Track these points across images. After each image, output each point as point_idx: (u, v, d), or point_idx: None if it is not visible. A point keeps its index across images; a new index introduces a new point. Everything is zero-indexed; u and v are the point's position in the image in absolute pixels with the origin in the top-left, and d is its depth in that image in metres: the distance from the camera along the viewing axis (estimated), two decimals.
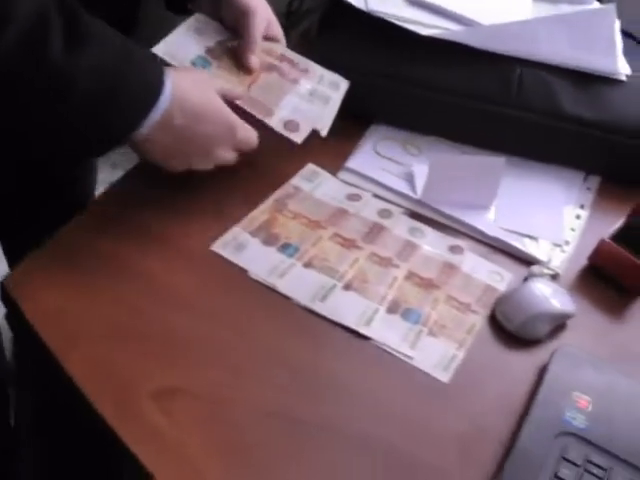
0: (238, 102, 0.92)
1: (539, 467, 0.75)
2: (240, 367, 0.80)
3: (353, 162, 1.03)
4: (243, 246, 0.91)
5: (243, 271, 0.89)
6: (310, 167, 1.03)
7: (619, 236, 0.97)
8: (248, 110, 0.92)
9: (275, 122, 0.94)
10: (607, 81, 1.09)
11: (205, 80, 0.89)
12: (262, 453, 0.74)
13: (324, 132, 0.97)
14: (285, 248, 0.92)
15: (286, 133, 0.94)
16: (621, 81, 1.09)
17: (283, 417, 0.77)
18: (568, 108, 1.06)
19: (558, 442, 0.78)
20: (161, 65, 0.84)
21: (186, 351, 0.81)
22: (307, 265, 0.90)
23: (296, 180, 1.01)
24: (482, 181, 0.99)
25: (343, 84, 1.03)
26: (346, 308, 0.86)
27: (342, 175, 1.02)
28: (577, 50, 1.07)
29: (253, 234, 0.93)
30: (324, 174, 1.04)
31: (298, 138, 0.95)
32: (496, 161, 0.98)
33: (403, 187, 1.01)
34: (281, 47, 1.01)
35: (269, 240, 0.92)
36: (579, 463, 0.76)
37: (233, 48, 0.97)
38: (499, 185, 1.01)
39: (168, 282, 0.87)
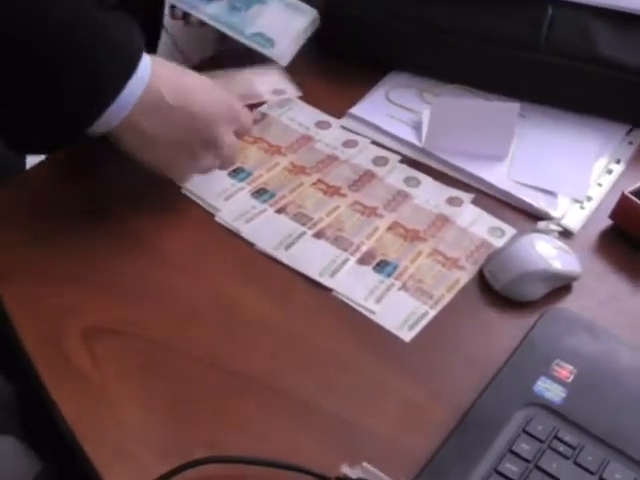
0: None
1: (492, 439, 0.65)
2: (184, 315, 0.75)
3: (359, 108, 0.95)
4: None
5: (210, 215, 0.82)
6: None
7: None
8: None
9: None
10: None
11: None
12: (191, 405, 0.68)
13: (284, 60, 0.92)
14: (237, 173, 0.87)
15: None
16: None
17: (220, 369, 0.71)
18: (606, 52, 0.93)
19: (523, 413, 0.67)
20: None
21: (130, 296, 0.76)
22: (280, 211, 0.83)
23: (265, 107, 0.96)
24: (494, 129, 0.89)
25: (309, 12, 0.97)
26: (312, 257, 0.79)
27: (344, 122, 0.94)
28: None
29: None
30: (297, 102, 0.97)
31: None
32: (509, 107, 0.88)
33: (408, 135, 0.92)
34: None
35: None
36: (543, 438, 0.65)
37: None
38: (514, 134, 0.89)
39: (129, 225, 0.82)
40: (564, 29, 0.95)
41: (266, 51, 0.95)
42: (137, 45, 0.70)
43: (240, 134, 0.82)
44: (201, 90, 0.76)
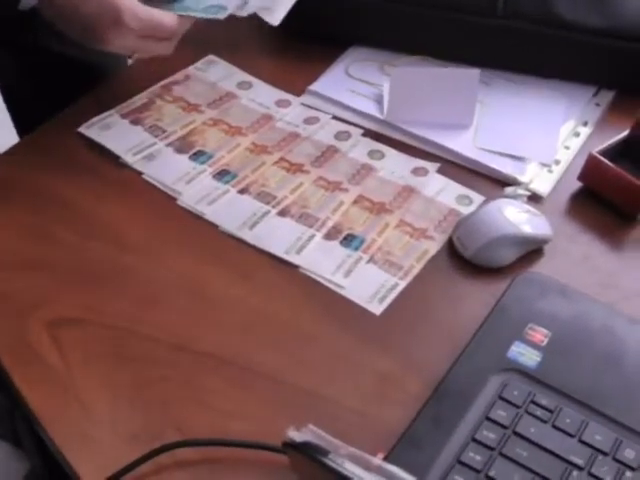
0: None
1: (467, 407, 0.63)
2: (149, 299, 0.73)
3: (318, 85, 0.94)
4: (108, 126, 0.87)
5: (172, 199, 0.80)
6: (210, 57, 0.99)
7: (617, 151, 0.83)
8: None
9: None
10: None
11: None
12: (159, 389, 0.66)
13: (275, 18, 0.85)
14: (198, 156, 0.86)
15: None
16: None
17: (187, 351, 0.69)
18: (566, 15, 0.92)
19: (498, 380, 0.66)
20: None
21: (94, 282, 0.74)
22: (243, 191, 0.81)
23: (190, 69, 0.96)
24: (456, 97, 0.87)
25: None
26: (278, 235, 0.77)
27: (304, 99, 0.92)
28: None
29: (124, 116, 0.89)
30: (256, 81, 0.96)
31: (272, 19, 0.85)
32: (470, 73, 0.86)
33: (370, 108, 0.90)
34: None
35: (137, 120, 0.89)
36: (519, 403, 0.63)
37: None
38: (476, 100, 0.88)
39: (92, 212, 0.80)
40: None
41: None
42: None
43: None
44: None
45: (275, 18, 0.84)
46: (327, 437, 0.48)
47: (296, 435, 0.48)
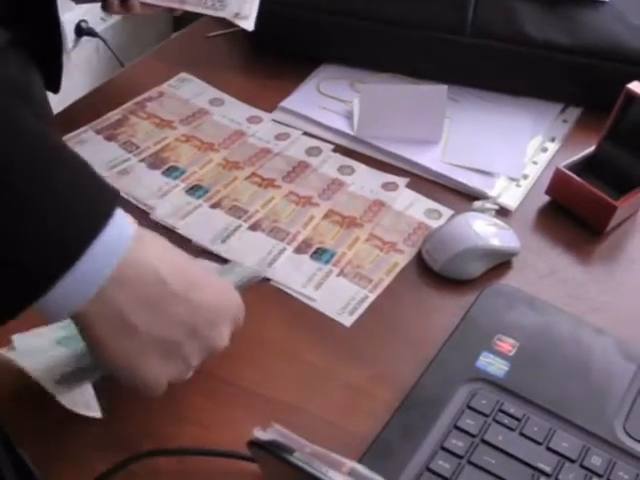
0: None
1: (436, 416, 0.64)
2: None
3: (289, 101, 0.95)
4: (83, 142, 0.88)
5: (145, 214, 0.81)
6: (182, 75, 1.00)
7: (584, 166, 0.84)
8: (160, 4, 0.86)
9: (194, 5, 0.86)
10: (579, 2, 0.96)
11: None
12: (133, 399, 0.65)
13: (249, 24, 0.86)
14: (171, 171, 0.87)
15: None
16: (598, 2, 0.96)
17: None
18: (534, 32, 0.94)
19: (466, 389, 0.66)
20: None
21: None
22: (215, 206, 0.81)
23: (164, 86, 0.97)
24: (424, 113, 0.89)
25: None
26: (249, 249, 0.78)
27: (275, 115, 0.93)
28: None
29: (98, 132, 0.89)
30: (228, 99, 0.97)
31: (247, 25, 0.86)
32: (438, 89, 0.88)
33: (340, 124, 0.91)
34: None
35: (111, 136, 0.89)
36: (487, 412, 0.64)
37: None
38: (444, 116, 0.89)
39: None
40: (489, 12, 0.95)
41: (221, 13, 0.89)
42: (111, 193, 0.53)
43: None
44: (208, 283, 0.60)
45: (249, 24, 0.85)
46: (292, 436, 0.49)
47: (261, 434, 0.49)
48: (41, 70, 0.99)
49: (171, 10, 0.87)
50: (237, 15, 0.85)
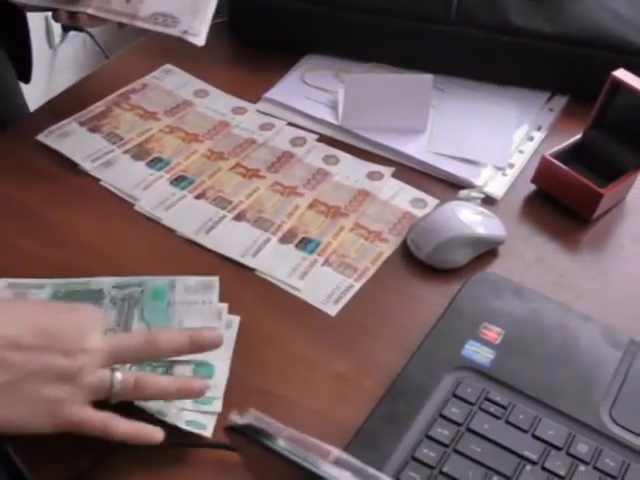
0: (90, 11, 0.81)
1: (421, 405, 0.64)
2: None
3: (274, 92, 0.94)
4: (67, 134, 0.87)
5: (130, 205, 0.80)
6: (167, 66, 0.99)
7: (570, 154, 0.84)
8: (110, 18, 0.82)
9: (144, 21, 0.83)
10: None
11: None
12: None
13: (200, 39, 0.84)
14: (155, 162, 0.86)
15: (164, 30, 0.83)
16: None
17: None
18: (518, 21, 0.94)
19: (452, 378, 0.66)
20: None
21: None
22: (199, 197, 0.81)
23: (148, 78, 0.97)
24: (409, 102, 0.88)
25: None
26: (234, 239, 0.77)
27: (260, 106, 0.93)
28: None
29: (82, 124, 0.89)
30: (212, 89, 0.97)
31: (197, 40, 0.83)
32: (423, 78, 0.87)
33: (324, 114, 0.91)
34: None
35: (95, 128, 0.88)
36: (472, 400, 0.64)
37: None
38: (429, 105, 0.89)
39: (49, 218, 0.80)
40: (474, 0, 0.94)
41: (171, 30, 0.85)
42: None
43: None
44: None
45: (200, 40, 0.84)
46: (269, 420, 0.49)
47: (238, 418, 0.48)
48: (11, 60, 0.99)
49: (120, 25, 0.85)
50: (186, 32, 0.83)
